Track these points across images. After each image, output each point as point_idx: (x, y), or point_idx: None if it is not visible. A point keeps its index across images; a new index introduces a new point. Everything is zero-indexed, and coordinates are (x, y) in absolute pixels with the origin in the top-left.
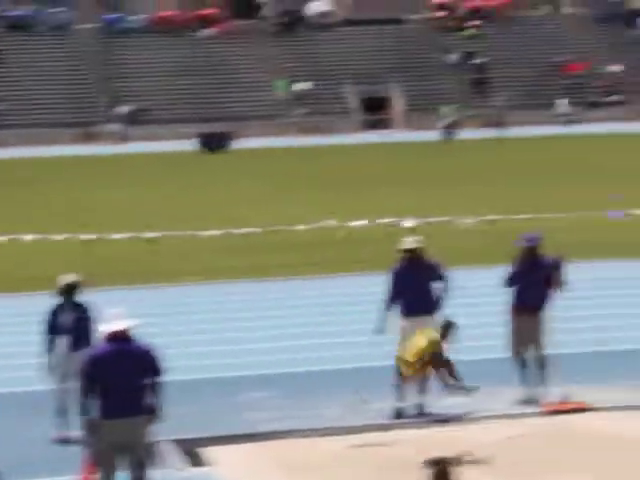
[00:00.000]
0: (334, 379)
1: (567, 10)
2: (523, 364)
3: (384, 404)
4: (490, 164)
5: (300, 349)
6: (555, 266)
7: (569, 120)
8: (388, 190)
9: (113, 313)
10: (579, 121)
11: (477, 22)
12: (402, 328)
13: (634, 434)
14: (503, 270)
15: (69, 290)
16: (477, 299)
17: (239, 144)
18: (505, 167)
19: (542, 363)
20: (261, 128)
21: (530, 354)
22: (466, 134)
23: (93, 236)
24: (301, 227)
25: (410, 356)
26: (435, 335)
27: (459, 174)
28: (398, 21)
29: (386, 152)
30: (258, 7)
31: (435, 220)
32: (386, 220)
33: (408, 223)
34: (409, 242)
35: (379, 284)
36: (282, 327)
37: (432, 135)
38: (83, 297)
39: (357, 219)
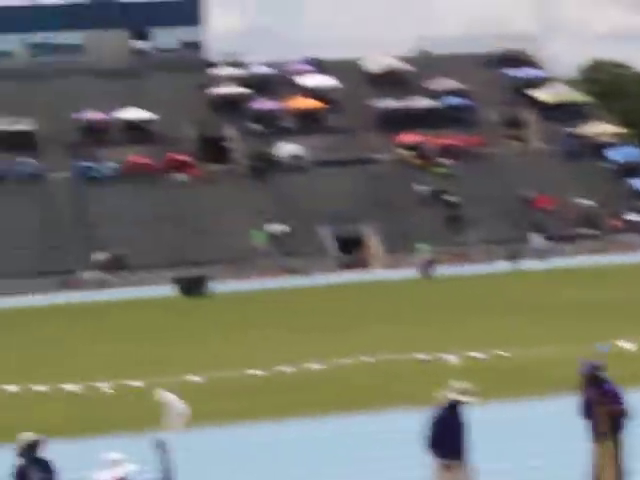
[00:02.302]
0: None
1: (535, 146)
2: None
3: None
4: (474, 299)
5: None
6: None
7: (544, 254)
8: (379, 327)
9: (110, 459)
10: (553, 255)
11: (448, 160)
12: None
13: None
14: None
15: (31, 448)
16: None
17: (216, 287)
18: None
19: None
20: (238, 271)
21: None
22: (442, 270)
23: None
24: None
25: None
26: None
27: (454, 309)
28: (368, 161)
29: (366, 291)
30: (227, 151)
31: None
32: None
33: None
34: (459, 390)
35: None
36: None
37: (409, 273)
38: (47, 453)
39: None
